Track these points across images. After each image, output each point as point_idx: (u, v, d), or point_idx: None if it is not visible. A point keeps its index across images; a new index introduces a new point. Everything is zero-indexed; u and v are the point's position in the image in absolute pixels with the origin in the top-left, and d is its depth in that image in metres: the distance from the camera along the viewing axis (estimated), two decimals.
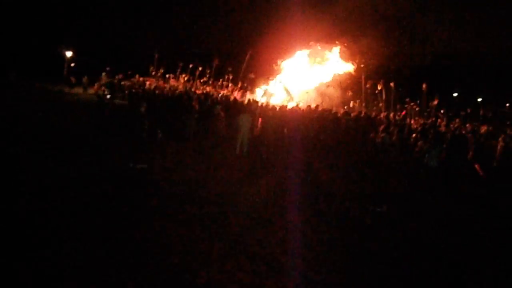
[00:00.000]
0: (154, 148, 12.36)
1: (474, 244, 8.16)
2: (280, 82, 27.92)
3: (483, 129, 20.35)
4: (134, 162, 10.18)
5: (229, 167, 12.01)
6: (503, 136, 15.38)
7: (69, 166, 9.69)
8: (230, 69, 27.67)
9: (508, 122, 25.03)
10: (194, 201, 8.47)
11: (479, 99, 50.45)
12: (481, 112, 25.11)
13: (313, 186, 11.02)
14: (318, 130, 15.18)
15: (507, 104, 51.42)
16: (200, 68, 27.57)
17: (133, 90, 23.56)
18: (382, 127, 14.58)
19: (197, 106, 15.67)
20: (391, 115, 20.90)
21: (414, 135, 14.99)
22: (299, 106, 20.51)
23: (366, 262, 6.72)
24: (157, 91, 22.45)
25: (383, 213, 9.27)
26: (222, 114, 14.35)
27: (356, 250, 7.18)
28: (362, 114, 18.70)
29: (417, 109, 23.82)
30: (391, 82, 23.44)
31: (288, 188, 10.77)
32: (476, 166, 11.13)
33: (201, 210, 8.00)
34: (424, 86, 22.26)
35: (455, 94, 47.92)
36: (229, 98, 20.84)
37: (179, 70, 28.10)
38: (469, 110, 24.75)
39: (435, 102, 23.74)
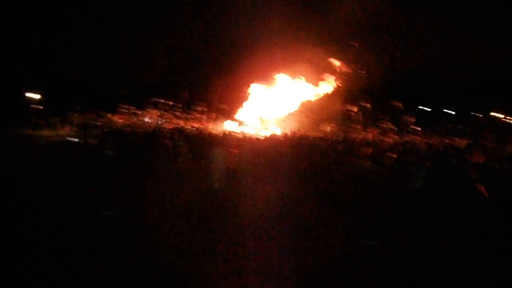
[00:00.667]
0: (126, 192, 11.86)
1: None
2: (255, 111, 27.87)
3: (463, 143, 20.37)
4: (105, 209, 9.73)
5: (205, 205, 11.67)
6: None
7: (36, 217, 9.20)
8: (202, 101, 27.43)
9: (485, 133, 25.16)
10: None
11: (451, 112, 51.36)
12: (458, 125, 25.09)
13: (295, 220, 10.69)
14: (296, 158, 14.92)
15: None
16: (171, 102, 27.27)
17: (104, 130, 23.06)
18: (368, 153, 14.39)
19: (170, 144, 15.30)
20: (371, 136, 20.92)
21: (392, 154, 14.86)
22: (275, 134, 20.34)
23: None
24: (128, 129, 22.05)
25: (374, 247, 8.97)
26: (185, 150, 13.89)
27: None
28: (340, 138, 18.67)
29: (393, 127, 23.90)
30: (366, 102, 23.70)
31: (267, 223, 10.44)
32: (481, 187, 10.74)
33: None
34: (400, 104, 22.51)
35: (427, 109, 48.55)
36: (202, 132, 20.57)
37: (149, 105, 27.72)
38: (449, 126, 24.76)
39: (412, 120, 23.92)
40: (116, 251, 7.82)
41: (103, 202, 10.21)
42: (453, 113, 49.96)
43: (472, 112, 41.31)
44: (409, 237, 9.63)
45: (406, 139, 21.82)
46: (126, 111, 27.87)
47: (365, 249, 8.84)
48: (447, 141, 21.68)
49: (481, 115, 34.49)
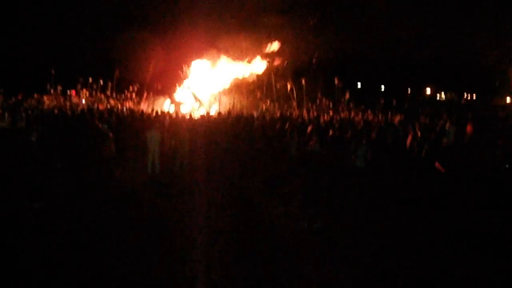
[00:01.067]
0: (55, 181, 11.01)
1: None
2: (188, 89, 27.27)
3: (396, 119, 20.81)
4: (31, 201, 9.13)
5: (142, 192, 11.28)
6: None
7: None
8: (134, 80, 26.40)
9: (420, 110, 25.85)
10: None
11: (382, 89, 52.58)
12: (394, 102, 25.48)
13: (237, 204, 10.58)
14: (233, 138, 14.68)
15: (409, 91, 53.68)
16: (101, 81, 26.01)
17: (30, 112, 21.71)
18: (309, 131, 14.31)
19: (100, 125, 14.63)
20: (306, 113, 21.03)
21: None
22: (209, 113, 20.02)
23: None
24: (56, 111, 20.90)
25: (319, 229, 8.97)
26: (111, 134, 12.65)
27: None
28: (277, 116, 18.59)
29: (330, 104, 24.07)
30: (302, 79, 23.71)
31: (208, 210, 10.24)
32: (437, 164, 10.73)
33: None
34: (336, 80, 22.69)
35: (359, 86, 49.33)
36: (135, 112, 19.89)
37: (79, 85, 26.29)
38: (382, 101, 25.07)
39: (347, 96, 24.17)
40: (44, 245, 7.44)
41: (29, 193, 9.56)
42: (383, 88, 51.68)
43: (404, 88, 42.84)
44: (353, 219, 9.70)
45: (344, 116, 22.09)
46: (55, 91, 26.37)
47: (310, 232, 8.88)
48: (382, 117, 22.14)
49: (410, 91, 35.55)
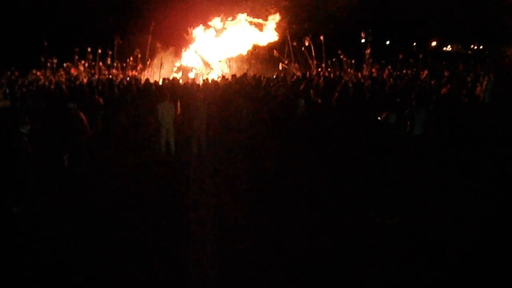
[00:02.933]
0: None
1: None
2: (196, 52, 24.76)
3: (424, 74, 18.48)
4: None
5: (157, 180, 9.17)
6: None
7: None
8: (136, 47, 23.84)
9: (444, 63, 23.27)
10: None
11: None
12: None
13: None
14: (254, 103, 12.39)
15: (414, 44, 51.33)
16: (100, 51, 23.44)
17: (24, 90, 19.44)
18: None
19: (101, 100, 12.39)
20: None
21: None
22: (224, 76, 17.62)
23: None
24: (52, 86, 18.63)
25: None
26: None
27: None
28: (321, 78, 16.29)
29: (352, 62, 21.39)
30: (319, 35, 21.25)
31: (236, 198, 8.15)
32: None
33: None
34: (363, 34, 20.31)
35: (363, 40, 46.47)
36: (139, 81, 17.57)
37: (76, 56, 23.84)
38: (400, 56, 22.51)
39: (368, 51, 21.55)
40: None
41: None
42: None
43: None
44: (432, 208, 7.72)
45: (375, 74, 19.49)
46: (50, 65, 23.93)
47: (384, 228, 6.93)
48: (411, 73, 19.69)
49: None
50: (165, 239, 6.64)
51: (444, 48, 62.95)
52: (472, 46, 61.54)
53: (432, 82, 15.13)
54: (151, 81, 16.17)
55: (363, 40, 22.85)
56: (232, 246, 6.38)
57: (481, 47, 60.95)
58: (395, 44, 44.95)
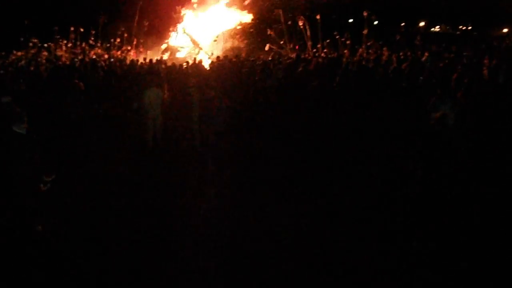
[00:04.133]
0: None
1: None
2: (184, 32, 23.57)
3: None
4: None
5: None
6: None
7: None
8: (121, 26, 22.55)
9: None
10: None
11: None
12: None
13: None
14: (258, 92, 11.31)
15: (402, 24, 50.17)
16: (82, 30, 22.10)
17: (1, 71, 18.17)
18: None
19: (81, 85, 11.28)
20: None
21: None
22: (219, 58, 16.48)
23: None
24: (32, 68, 17.43)
25: None
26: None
27: None
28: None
29: (348, 42, 20.19)
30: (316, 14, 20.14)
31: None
32: None
33: None
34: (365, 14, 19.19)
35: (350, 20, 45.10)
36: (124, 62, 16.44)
37: (57, 35, 22.49)
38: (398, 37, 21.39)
39: (365, 32, 20.38)
40: None
41: None
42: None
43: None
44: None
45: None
46: (31, 44, 22.57)
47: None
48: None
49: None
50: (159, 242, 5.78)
51: (432, 29, 62.11)
52: (460, 27, 60.69)
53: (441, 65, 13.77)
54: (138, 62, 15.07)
55: (350, 20, 21.74)
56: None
57: (469, 28, 60.48)
58: (383, 24, 44.09)
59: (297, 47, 21.20)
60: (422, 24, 57.59)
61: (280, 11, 22.16)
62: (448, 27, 61.94)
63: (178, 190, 7.67)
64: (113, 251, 5.78)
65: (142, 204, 7.13)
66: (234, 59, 15.30)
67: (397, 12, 46.12)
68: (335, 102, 10.16)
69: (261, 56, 18.25)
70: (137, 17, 22.05)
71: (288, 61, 15.56)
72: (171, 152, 9.61)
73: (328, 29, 20.63)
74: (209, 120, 8.97)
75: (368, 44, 19.94)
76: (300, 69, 12.96)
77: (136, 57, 20.15)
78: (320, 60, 14.74)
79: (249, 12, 24.70)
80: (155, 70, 12.93)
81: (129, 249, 5.82)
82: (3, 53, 19.88)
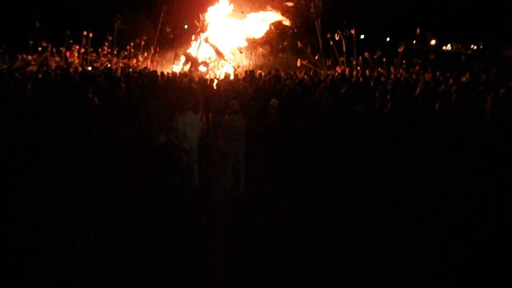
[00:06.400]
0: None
1: None
2: (207, 42, 21.68)
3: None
4: None
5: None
6: None
7: None
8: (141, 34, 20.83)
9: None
10: None
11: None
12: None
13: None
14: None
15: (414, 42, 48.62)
16: (91, 35, 20.24)
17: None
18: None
19: (96, 99, 9.32)
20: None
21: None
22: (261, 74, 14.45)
23: None
24: (40, 75, 15.55)
25: None
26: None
27: None
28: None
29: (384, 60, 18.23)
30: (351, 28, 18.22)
31: None
32: None
33: None
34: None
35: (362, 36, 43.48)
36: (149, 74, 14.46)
37: (69, 40, 20.66)
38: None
39: (400, 49, 18.35)
40: None
41: None
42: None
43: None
44: None
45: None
46: (41, 49, 20.81)
47: None
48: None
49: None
50: None
51: (444, 47, 61.78)
52: (472, 46, 59.73)
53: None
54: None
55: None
56: None
57: (481, 47, 59.48)
58: (396, 41, 42.73)
59: (329, 62, 19.35)
60: (433, 42, 56.61)
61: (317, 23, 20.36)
62: (459, 46, 61.14)
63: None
64: None
65: None
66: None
67: (408, 29, 45.09)
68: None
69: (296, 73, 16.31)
70: (159, 24, 20.31)
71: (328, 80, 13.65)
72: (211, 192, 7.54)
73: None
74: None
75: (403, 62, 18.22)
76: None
77: (152, 67, 18.36)
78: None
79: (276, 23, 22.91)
80: (190, 89, 10.32)
81: None
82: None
